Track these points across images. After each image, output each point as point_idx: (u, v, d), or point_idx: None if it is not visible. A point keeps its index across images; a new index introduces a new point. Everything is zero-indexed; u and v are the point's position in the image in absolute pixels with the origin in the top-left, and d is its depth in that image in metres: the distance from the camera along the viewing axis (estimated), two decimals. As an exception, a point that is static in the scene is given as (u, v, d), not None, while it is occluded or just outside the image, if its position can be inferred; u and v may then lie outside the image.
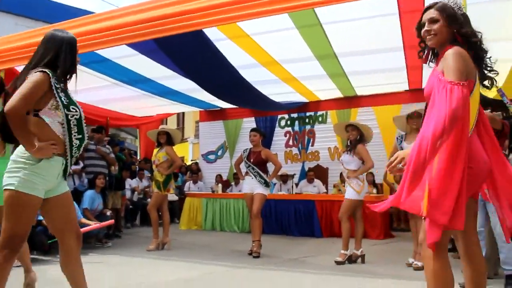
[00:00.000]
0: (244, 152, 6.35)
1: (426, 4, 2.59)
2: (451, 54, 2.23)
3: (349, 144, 5.62)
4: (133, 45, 5.48)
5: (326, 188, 9.41)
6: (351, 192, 5.38)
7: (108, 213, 7.28)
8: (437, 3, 2.40)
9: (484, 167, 2.25)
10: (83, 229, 5.85)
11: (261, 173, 6.01)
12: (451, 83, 2.13)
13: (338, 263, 5.23)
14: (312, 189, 8.95)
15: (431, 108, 2.22)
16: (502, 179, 2.29)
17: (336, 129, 6.09)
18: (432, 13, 2.37)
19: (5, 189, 2.49)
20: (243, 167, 6.42)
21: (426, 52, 2.53)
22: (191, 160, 15.37)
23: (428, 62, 2.58)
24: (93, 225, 6.03)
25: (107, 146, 7.87)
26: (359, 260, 5.41)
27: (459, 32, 2.34)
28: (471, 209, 2.31)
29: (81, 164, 7.46)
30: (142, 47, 5.64)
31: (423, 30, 2.42)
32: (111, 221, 6.37)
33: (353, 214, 5.51)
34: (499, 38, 5.16)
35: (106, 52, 5.77)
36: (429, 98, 2.30)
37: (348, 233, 5.36)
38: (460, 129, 2.13)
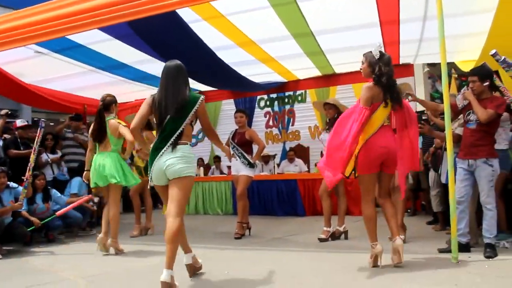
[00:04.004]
0: (230, 134, 6.32)
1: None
2: (363, 87, 3.81)
3: (328, 122, 5.65)
4: (106, 30, 5.35)
5: (308, 167, 9.47)
6: None
7: (96, 199, 7.23)
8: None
9: (380, 150, 3.77)
10: (63, 210, 5.88)
11: (244, 154, 5.99)
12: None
13: (321, 240, 5.28)
14: (294, 169, 8.99)
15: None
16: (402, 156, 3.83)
17: (317, 105, 6.13)
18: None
19: (187, 176, 3.39)
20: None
21: None
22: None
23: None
24: (72, 205, 6.09)
25: (85, 133, 7.75)
26: (342, 236, 5.47)
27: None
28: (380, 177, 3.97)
29: (59, 153, 7.34)
30: (116, 32, 5.51)
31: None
32: (89, 196, 6.44)
33: (336, 190, 5.55)
34: (473, 11, 5.20)
35: (79, 38, 5.63)
36: None
37: (330, 210, 5.41)
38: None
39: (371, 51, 3.90)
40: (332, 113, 5.52)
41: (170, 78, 3.49)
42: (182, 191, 3.37)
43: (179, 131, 3.39)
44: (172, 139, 3.37)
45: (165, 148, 3.37)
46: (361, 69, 3.95)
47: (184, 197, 3.43)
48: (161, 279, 3.09)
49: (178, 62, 3.58)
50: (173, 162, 3.33)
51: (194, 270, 3.79)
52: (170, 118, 3.38)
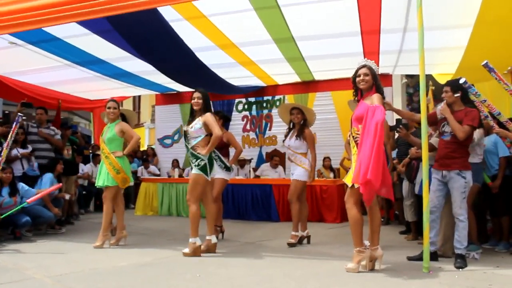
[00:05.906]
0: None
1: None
2: (376, 95, 3.89)
3: (291, 127, 5.59)
4: (85, 24, 5.25)
5: (284, 173, 9.45)
6: (303, 172, 5.38)
7: (67, 196, 7.06)
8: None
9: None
10: (34, 197, 5.71)
11: (221, 157, 5.91)
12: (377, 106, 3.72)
13: (290, 245, 5.28)
14: (273, 174, 8.91)
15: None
16: None
17: (280, 111, 5.87)
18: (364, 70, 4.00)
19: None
20: None
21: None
22: (148, 146, 15.13)
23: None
24: (42, 193, 5.92)
25: (51, 127, 7.43)
26: (305, 241, 5.52)
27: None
28: None
29: (30, 148, 7.08)
30: (95, 27, 5.42)
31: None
32: (59, 185, 6.27)
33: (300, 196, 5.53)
34: (452, 26, 5.29)
35: (56, 31, 5.51)
36: (360, 120, 3.78)
37: (298, 215, 5.40)
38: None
39: (369, 64, 4.01)
40: (300, 118, 5.49)
41: None
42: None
43: None
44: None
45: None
46: (364, 80, 3.95)
47: None
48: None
49: None
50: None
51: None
52: None
